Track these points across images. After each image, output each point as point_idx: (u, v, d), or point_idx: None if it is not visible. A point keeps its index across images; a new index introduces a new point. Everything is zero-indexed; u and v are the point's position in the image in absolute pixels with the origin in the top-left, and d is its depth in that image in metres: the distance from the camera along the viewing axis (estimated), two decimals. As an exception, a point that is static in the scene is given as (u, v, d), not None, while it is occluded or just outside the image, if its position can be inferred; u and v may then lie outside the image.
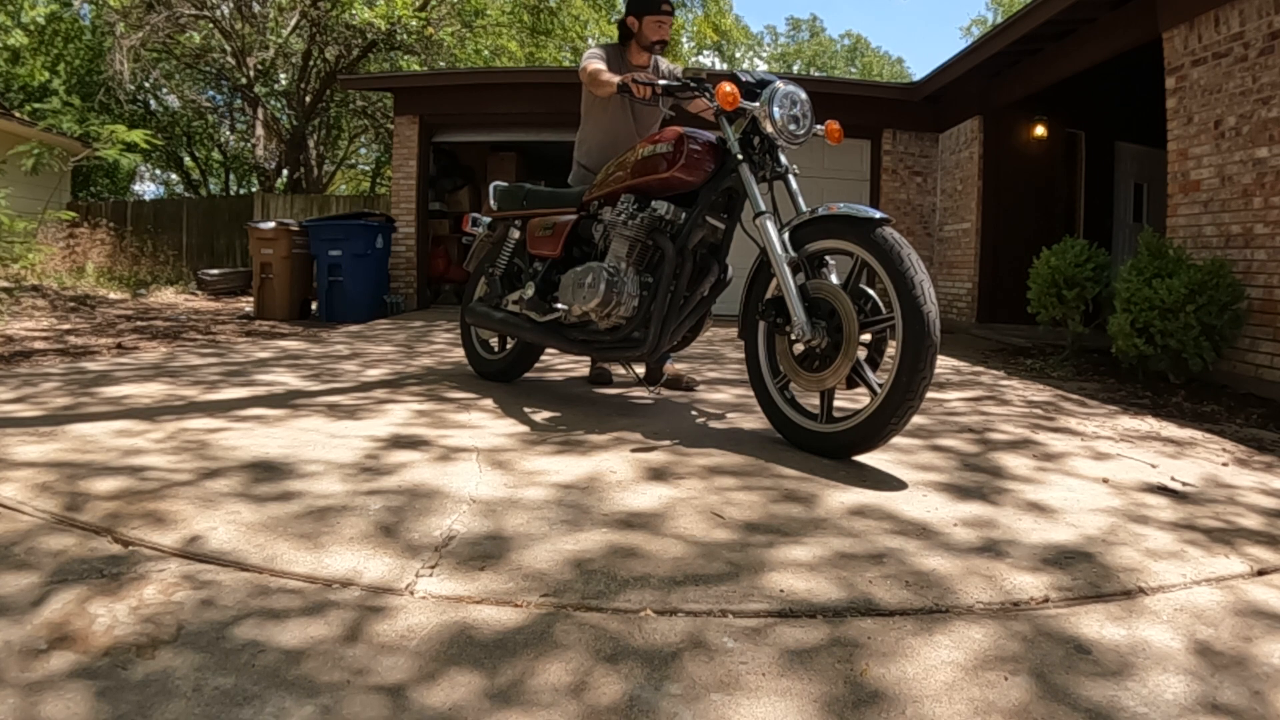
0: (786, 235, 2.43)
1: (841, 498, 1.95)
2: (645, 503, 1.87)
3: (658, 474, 2.11)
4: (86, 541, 1.54)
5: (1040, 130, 7.91)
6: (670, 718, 1.07)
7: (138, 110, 16.26)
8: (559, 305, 2.96)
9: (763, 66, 33.83)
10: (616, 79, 2.96)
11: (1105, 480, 2.22)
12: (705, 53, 25.47)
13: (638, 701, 1.10)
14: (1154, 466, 2.42)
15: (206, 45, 14.85)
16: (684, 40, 19.28)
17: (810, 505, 1.89)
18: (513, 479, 2.02)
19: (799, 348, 2.41)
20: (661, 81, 2.83)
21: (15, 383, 3.18)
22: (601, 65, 3.22)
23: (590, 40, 15.51)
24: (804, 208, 2.49)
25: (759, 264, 2.57)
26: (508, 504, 1.83)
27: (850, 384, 2.30)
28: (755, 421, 2.79)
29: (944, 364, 4.84)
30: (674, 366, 3.58)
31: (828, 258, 2.41)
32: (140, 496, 1.77)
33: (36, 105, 11.68)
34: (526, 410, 2.91)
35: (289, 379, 3.52)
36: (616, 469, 2.14)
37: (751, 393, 2.67)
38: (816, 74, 32.57)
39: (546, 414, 2.87)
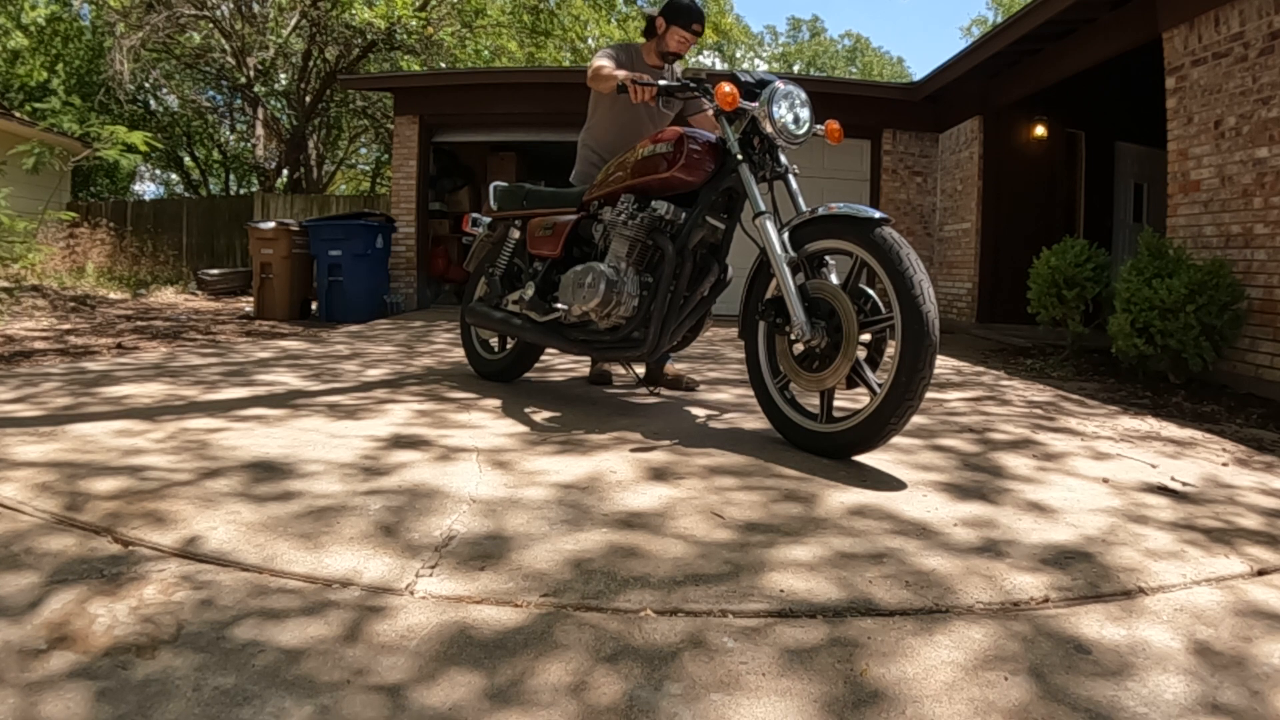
0: (786, 235, 2.43)
1: (841, 498, 1.95)
2: (645, 502, 1.87)
3: (658, 474, 2.11)
4: (86, 541, 1.54)
5: (1040, 130, 7.91)
6: (670, 718, 1.07)
7: (138, 110, 16.26)
8: (559, 305, 2.96)
9: (763, 66, 33.83)
10: (620, 74, 2.95)
11: (1105, 480, 2.22)
12: (705, 53, 25.47)
13: (638, 701, 1.10)
14: (1154, 466, 2.42)
15: (206, 45, 14.84)
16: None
17: (810, 505, 1.89)
18: (513, 479, 2.02)
19: (799, 348, 2.41)
20: (661, 82, 2.83)
21: (15, 383, 3.18)
22: (607, 63, 3.23)
23: (590, 40, 15.51)
24: (804, 208, 2.49)
25: (759, 264, 2.57)
26: (508, 504, 1.83)
27: (850, 384, 2.30)
28: (755, 421, 2.79)
29: (944, 364, 4.84)
30: (674, 366, 3.57)
31: (827, 258, 2.41)
32: (140, 496, 1.77)
33: (36, 105, 11.68)
34: (527, 410, 2.91)
35: (289, 379, 3.52)
36: (617, 469, 2.14)
37: (751, 393, 2.67)
38: (816, 74, 32.57)
39: (547, 414, 2.87)
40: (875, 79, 31.23)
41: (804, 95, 2.60)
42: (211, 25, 14.01)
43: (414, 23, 13.27)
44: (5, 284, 7.14)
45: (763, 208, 2.51)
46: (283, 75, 16.43)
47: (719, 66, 25.76)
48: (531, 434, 2.54)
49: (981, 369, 4.76)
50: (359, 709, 1.06)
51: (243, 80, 14.81)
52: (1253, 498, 2.13)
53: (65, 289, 8.07)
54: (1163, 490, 2.15)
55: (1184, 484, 2.23)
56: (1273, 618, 1.39)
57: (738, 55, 30.75)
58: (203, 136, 19.09)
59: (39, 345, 4.71)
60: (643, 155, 2.80)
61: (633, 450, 2.34)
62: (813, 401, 2.47)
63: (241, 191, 19.27)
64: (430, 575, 1.44)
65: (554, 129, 8.33)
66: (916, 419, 2.88)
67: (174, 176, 21.14)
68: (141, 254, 10.88)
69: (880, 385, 2.17)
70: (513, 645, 1.23)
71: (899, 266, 2.12)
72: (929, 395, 3.30)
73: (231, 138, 19.20)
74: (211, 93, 17.70)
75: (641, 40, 3.47)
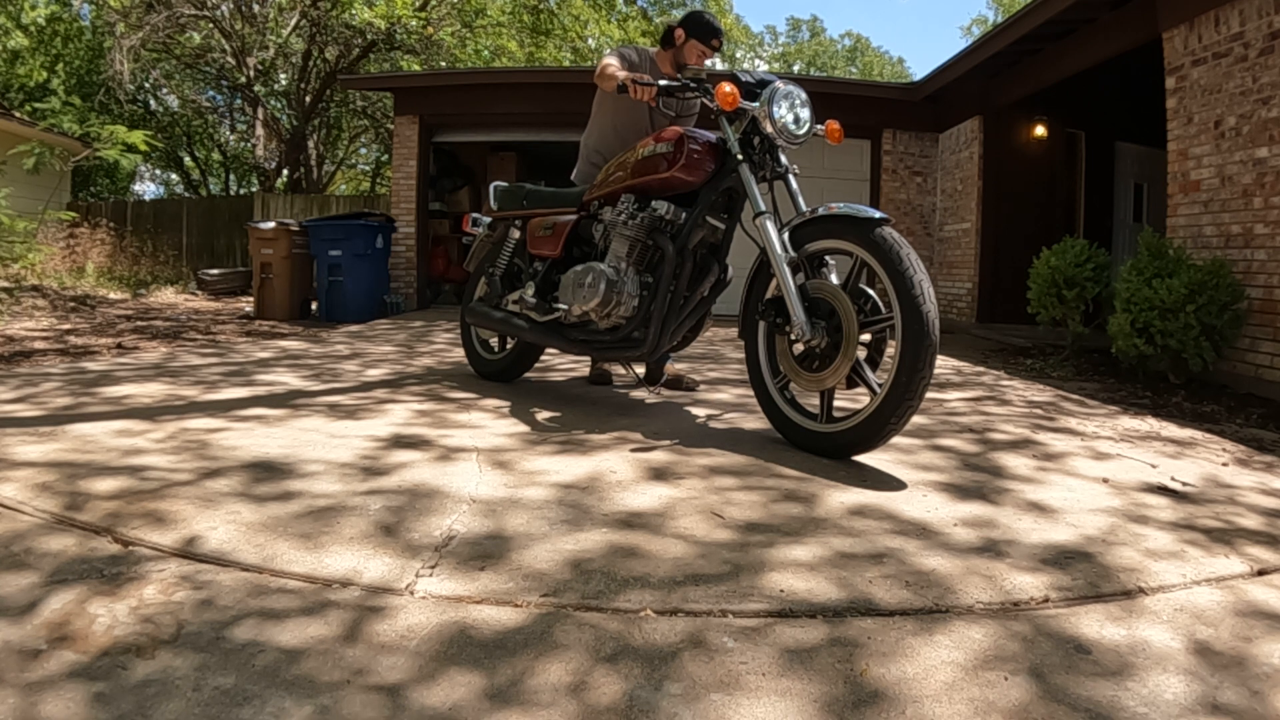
0: (786, 235, 2.43)
1: (841, 498, 1.95)
2: (645, 502, 1.87)
3: (658, 474, 2.11)
4: (86, 541, 1.54)
5: (1040, 130, 7.91)
6: (670, 718, 1.07)
7: (138, 110, 16.26)
8: (559, 305, 2.96)
9: (763, 66, 33.83)
10: (621, 74, 2.96)
11: (1105, 480, 2.22)
12: (705, 52, 25.39)
13: (637, 701, 1.10)
14: (1154, 466, 2.42)
15: (206, 45, 14.85)
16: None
17: (810, 505, 1.89)
18: (513, 479, 2.02)
19: (799, 348, 2.41)
20: (661, 82, 2.83)
21: (16, 383, 3.18)
22: (614, 61, 3.23)
23: (590, 40, 15.51)
24: (804, 208, 2.49)
25: (759, 264, 2.57)
26: (508, 504, 1.83)
27: (850, 384, 2.30)
28: (755, 421, 2.79)
29: (944, 364, 4.84)
30: (674, 366, 3.57)
31: (827, 258, 2.41)
32: (140, 496, 1.77)
33: (36, 105, 11.68)
34: (527, 410, 2.91)
35: (289, 379, 3.52)
36: (617, 469, 2.14)
37: (751, 393, 2.67)
38: (816, 74, 32.57)
39: (547, 414, 2.87)
40: (875, 79, 31.23)
41: (804, 95, 2.60)
42: (211, 25, 14.00)
43: (414, 23, 13.27)
44: (5, 284, 7.14)
45: (763, 208, 2.51)
46: (283, 75, 16.43)
47: (719, 66, 25.77)
48: (531, 434, 2.54)
49: (981, 369, 4.76)
50: (359, 709, 1.06)
51: (243, 80, 14.81)
52: (1253, 498, 2.13)
53: (65, 289, 8.07)
54: (1163, 490, 2.15)
55: (1184, 484, 2.23)
56: (1273, 618, 1.39)
57: (738, 55, 30.75)
58: (203, 136, 19.09)
59: (39, 345, 4.71)
60: (643, 155, 2.80)
61: (633, 450, 2.34)
62: (813, 401, 2.47)
63: (241, 191, 19.27)
64: (430, 575, 1.44)
65: (554, 129, 8.33)
66: (916, 419, 2.88)
67: (174, 176, 21.15)
68: (141, 254, 10.88)
69: (880, 385, 2.17)
70: (513, 645, 1.23)
71: (899, 266, 2.12)
72: (929, 395, 3.30)
73: (231, 138, 19.20)
74: (211, 93, 17.72)
75: (644, 43, 3.47)
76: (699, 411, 3.01)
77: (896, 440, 2.50)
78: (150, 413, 2.65)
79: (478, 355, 3.73)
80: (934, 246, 8.75)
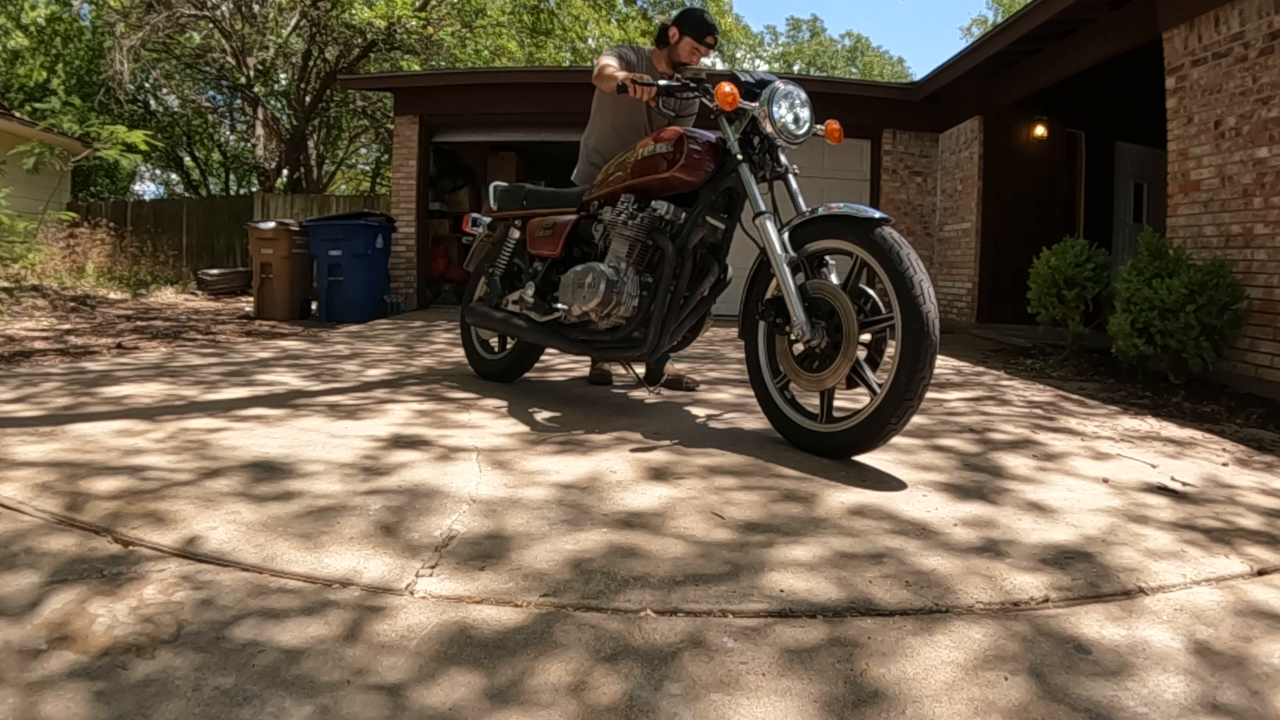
0: (786, 235, 2.43)
1: (841, 498, 1.95)
2: (645, 502, 1.87)
3: (658, 474, 2.11)
4: (86, 541, 1.54)
5: (1040, 130, 7.91)
6: (670, 718, 1.07)
7: (138, 110, 16.26)
8: (559, 305, 2.96)
9: (763, 66, 33.83)
10: (620, 74, 2.95)
11: (1105, 480, 2.22)
12: (705, 53, 25.38)
13: (637, 701, 1.10)
14: (1154, 466, 2.42)
15: (206, 45, 14.85)
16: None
17: (810, 505, 1.89)
18: (513, 479, 2.02)
19: (799, 348, 2.41)
20: (661, 82, 2.83)
21: (15, 383, 3.18)
22: (612, 61, 3.23)
23: (590, 40, 15.51)
24: (804, 208, 2.49)
25: (759, 264, 2.57)
26: (508, 504, 1.83)
27: (850, 384, 2.30)
28: (755, 421, 2.79)
29: (944, 364, 4.84)
30: (674, 366, 3.57)
31: (827, 258, 2.41)
32: (140, 496, 1.77)
33: (36, 105, 11.67)
34: (527, 410, 2.91)
35: (289, 379, 3.52)
36: (617, 469, 2.14)
37: (751, 393, 2.67)
38: (816, 74, 32.57)
39: (547, 414, 2.87)
40: (875, 79, 31.22)
41: (804, 95, 2.59)
42: (211, 25, 14.00)
43: (414, 23, 13.27)
44: (5, 284, 7.15)
45: (763, 208, 2.51)
46: (283, 75, 16.43)
47: (719, 66, 25.75)
48: (531, 434, 2.54)
49: (981, 369, 4.76)
50: (359, 709, 1.06)
51: (243, 80, 14.81)
52: (1253, 498, 2.13)
53: (65, 289, 8.07)
54: (1163, 490, 2.15)
55: (1184, 484, 2.23)
56: (1273, 618, 1.39)
57: (738, 55, 30.74)
58: (203, 136, 19.09)
59: (39, 345, 4.71)
60: (643, 155, 2.80)
61: (633, 450, 2.34)
62: (813, 401, 2.47)
63: (241, 191, 19.27)
64: (430, 575, 1.44)
65: (554, 129, 8.33)
66: (916, 419, 2.88)
67: (174, 176, 21.16)
68: (141, 254, 10.89)
69: (880, 385, 2.17)
70: (513, 645, 1.23)
71: (899, 266, 2.12)
72: (929, 395, 3.30)
73: (231, 138, 19.21)
74: (211, 93, 17.72)
75: (643, 44, 3.47)
76: (699, 411, 3.01)
77: (896, 440, 2.50)
78: (150, 413, 2.65)
79: (478, 355, 3.73)
80: (934, 246, 8.75)
